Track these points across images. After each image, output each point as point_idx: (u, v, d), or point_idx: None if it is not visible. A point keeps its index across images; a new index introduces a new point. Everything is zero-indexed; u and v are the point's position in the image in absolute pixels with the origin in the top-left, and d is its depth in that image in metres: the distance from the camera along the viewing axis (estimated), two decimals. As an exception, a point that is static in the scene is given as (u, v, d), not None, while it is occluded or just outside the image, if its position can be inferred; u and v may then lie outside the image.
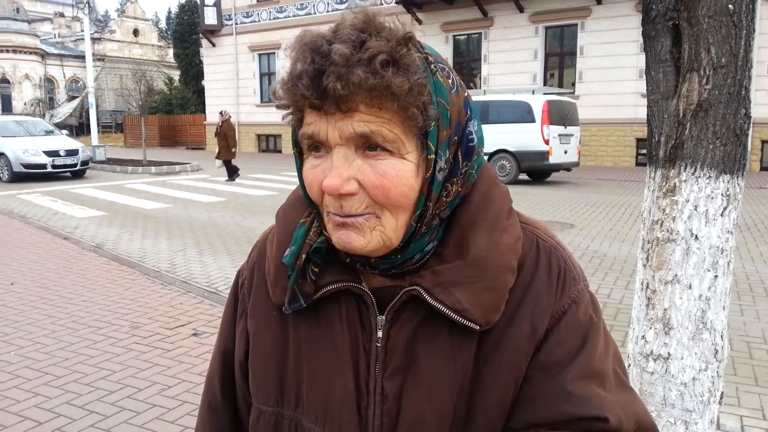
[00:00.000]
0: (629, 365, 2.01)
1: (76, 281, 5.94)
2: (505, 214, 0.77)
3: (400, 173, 0.69)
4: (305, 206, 0.81)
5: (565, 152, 13.80)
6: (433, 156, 0.70)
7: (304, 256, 0.77)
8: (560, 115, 13.57)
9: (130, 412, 3.29)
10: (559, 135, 13.50)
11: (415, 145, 0.69)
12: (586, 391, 0.74)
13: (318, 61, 0.66)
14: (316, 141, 0.70)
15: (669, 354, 1.88)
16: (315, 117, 0.69)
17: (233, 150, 14.93)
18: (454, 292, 0.72)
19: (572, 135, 14.05)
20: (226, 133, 14.73)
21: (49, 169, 15.49)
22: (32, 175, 15.31)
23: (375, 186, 0.69)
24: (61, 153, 15.77)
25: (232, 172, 15.08)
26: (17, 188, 13.70)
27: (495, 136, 13.25)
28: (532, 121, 13.24)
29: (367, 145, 0.68)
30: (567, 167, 14.14)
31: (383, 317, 0.77)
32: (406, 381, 0.76)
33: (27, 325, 4.67)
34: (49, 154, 15.50)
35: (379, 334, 0.77)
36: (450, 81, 0.72)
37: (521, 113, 13.42)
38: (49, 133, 17.26)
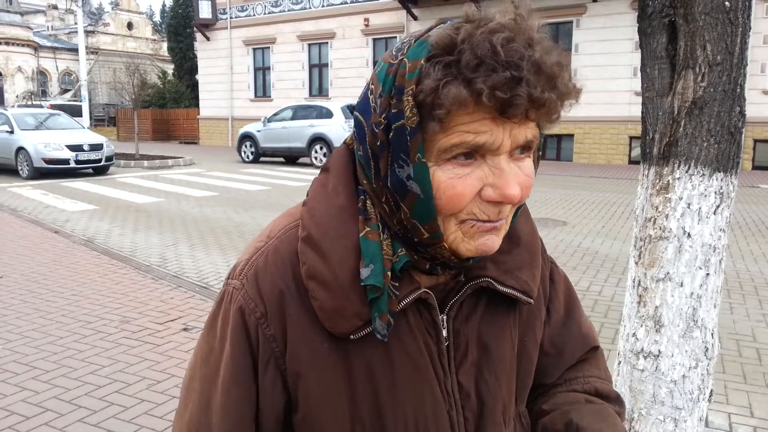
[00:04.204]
0: (619, 362, 2.01)
1: (66, 275, 5.90)
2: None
3: (533, 172, 0.72)
4: (353, 217, 0.73)
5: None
6: (539, 152, 0.75)
7: (389, 273, 0.70)
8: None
9: (119, 407, 3.26)
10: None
11: None
12: (586, 328, 0.94)
13: (524, 67, 0.62)
14: (486, 149, 0.66)
15: (659, 351, 1.88)
16: (489, 125, 0.64)
17: None
18: (520, 275, 0.79)
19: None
20: None
21: (72, 165, 14.27)
22: (54, 171, 14.12)
23: (526, 187, 0.70)
24: (85, 147, 14.53)
25: None
26: (7, 181, 13.53)
27: None
28: None
29: (518, 148, 0.68)
30: None
31: (444, 315, 0.77)
32: (480, 371, 0.79)
33: (15, 318, 4.63)
34: (73, 148, 14.29)
35: (444, 333, 0.77)
36: None
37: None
38: (69, 126, 15.98)
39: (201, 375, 0.77)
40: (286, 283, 0.73)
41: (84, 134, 15.47)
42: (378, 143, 0.69)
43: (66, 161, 14.23)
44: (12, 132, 14.55)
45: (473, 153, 0.66)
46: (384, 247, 0.71)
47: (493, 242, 0.71)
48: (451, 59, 0.62)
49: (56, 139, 14.42)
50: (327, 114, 16.89)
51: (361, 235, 0.72)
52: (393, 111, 0.66)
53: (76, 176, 14.60)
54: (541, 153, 0.75)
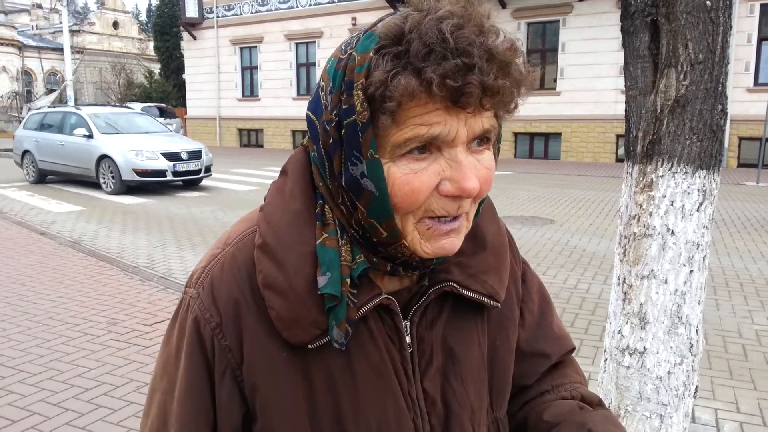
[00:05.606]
0: (606, 359, 2.02)
1: (52, 277, 5.85)
2: (490, 199, 0.80)
3: (493, 164, 0.69)
4: (309, 222, 0.70)
5: None
6: (498, 144, 0.72)
7: (348, 281, 0.68)
8: None
9: (107, 409, 3.24)
10: None
11: None
12: (561, 330, 0.91)
13: (475, 54, 0.60)
14: (441, 141, 0.63)
15: (645, 348, 1.89)
16: (442, 115, 0.62)
17: None
18: (486, 279, 0.76)
19: None
20: None
21: (169, 177, 11.65)
22: (146, 184, 11.68)
23: (486, 181, 0.67)
24: (183, 156, 11.86)
25: None
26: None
27: None
28: None
29: (475, 140, 0.66)
30: None
31: (407, 321, 0.75)
32: (446, 377, 0.76)
33: (1, 321, 4.58)
34: (169, 157, 11.64)
35: (408, 339, 0.74)
36: None
37: None
38: (154, 128, 13.21)
39: (160, 386, 0.76)
40: (242, 292, 0.70)
41: (177, 139, 12.93)
42: (330, 141, 0.66)
43: (162, 173, 11.58)
44: (90, 136, 11.89)
45: (428, 146, 0.64)
46: (343, 254, 0.69)
47: (452, 244, 0.68)
48: (400, 49, 0.60)
49: (148, 145, 11.74)
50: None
51: (318, 242, 0.69)
52: (344, 107, 0.64)
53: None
54: (500, 146, 0.72)
